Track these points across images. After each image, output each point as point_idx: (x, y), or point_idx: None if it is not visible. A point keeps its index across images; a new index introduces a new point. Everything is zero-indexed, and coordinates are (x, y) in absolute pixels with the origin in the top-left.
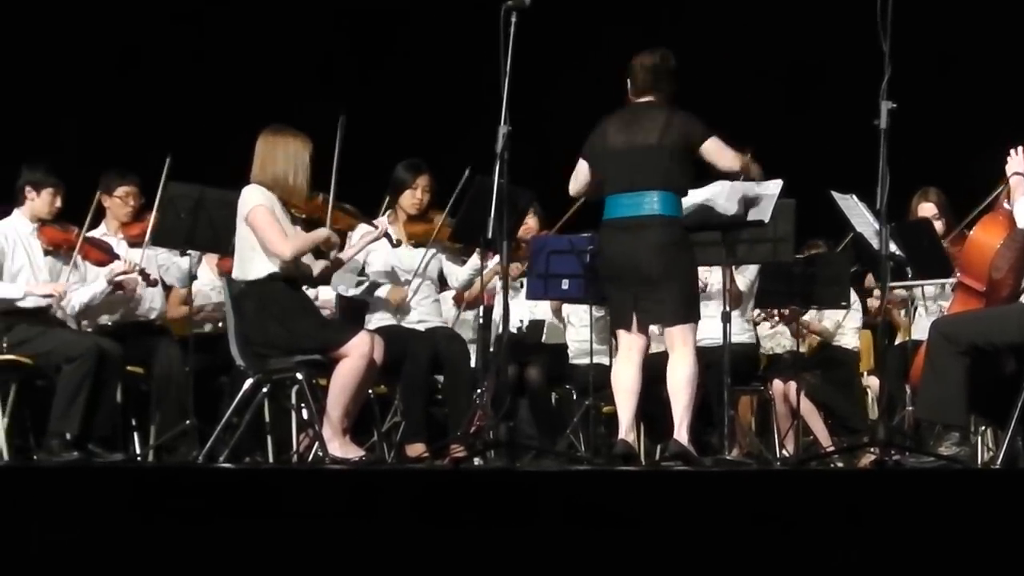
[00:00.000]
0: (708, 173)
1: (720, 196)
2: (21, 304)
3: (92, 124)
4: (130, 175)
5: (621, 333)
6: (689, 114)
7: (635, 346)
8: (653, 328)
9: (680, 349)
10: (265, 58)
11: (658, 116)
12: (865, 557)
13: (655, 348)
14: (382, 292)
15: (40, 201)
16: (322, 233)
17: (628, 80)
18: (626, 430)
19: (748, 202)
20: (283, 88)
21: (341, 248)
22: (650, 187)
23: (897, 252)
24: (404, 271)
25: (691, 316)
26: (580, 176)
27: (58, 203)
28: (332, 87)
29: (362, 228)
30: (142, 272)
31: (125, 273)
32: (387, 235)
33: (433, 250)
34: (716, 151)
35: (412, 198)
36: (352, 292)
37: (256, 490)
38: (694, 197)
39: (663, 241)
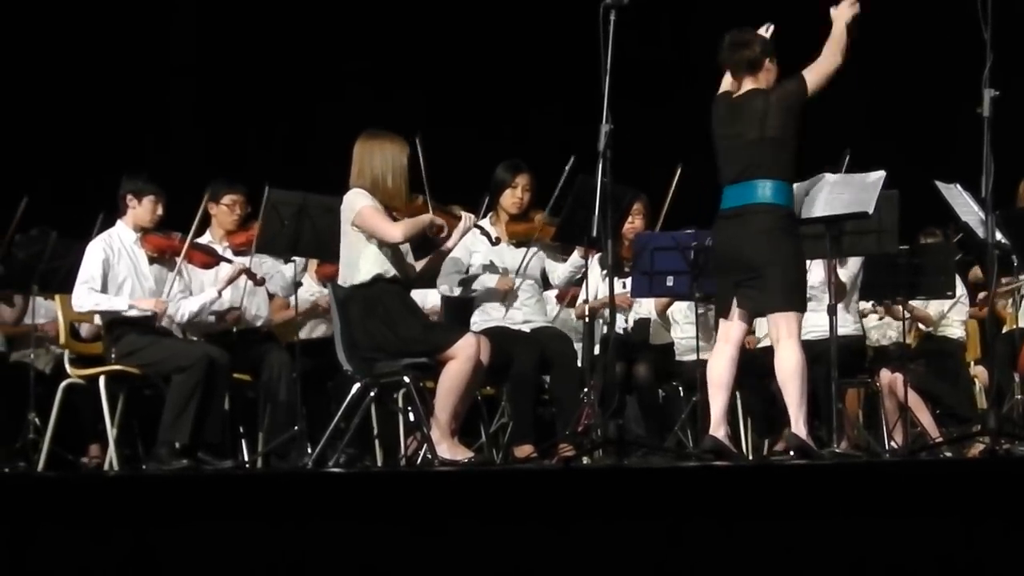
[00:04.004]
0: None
1: (849, 190)
2: (126, 315)
3: (198, 135)
4: (237, 184)
5: (721, 322)
6: (780, 84)
7: (731, 337)
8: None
9: (785, 341)
10: (358, 56)
11: (757, 106)
12: (978, 545)
13: (760, 344)
14: (490, 283)
15: (142, 209)
16: (426, 218)
17: None
18: (715, 425)
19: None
20: (377, 87)
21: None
22: (757, 176)
23: (1003, 241)
24: (506, 270)
25: (794, 304)
26: None
27: (160, 211)
28: (429, 86)
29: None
30: (248, 272)
31: (233, 279)
32: (486, 234)
33: (535, 249)
34: (818, 75)
35: (512, 197)
36: (457, 291)
37: (366, 494)
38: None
39: (768, 227)
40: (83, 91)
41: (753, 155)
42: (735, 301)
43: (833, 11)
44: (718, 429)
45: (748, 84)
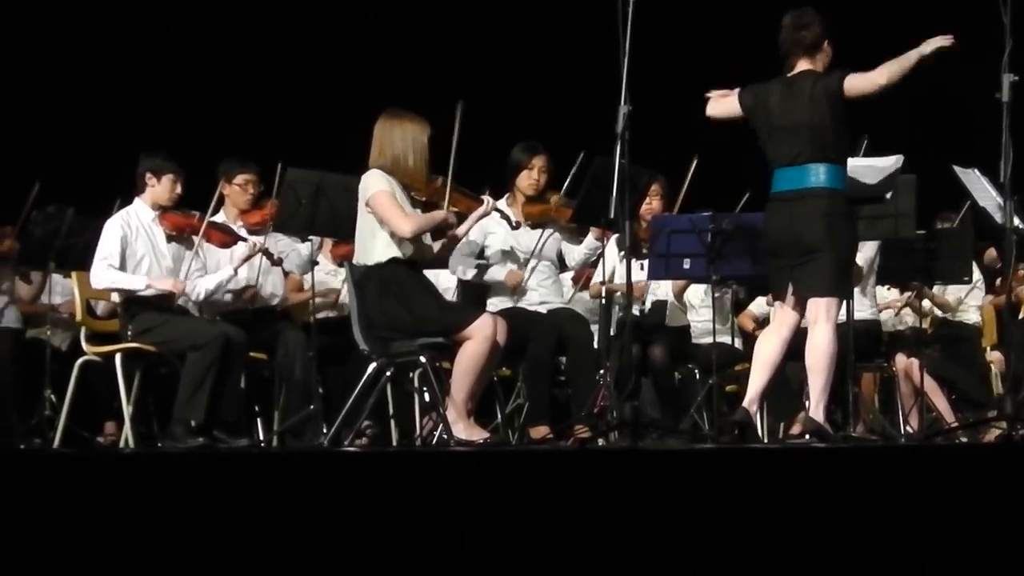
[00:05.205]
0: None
1: (866, 175)
2: (143, 294)
3: (211, 113)
4: (249, 163)
5: (776, 306)
6: (824, 75)
7: (786, 322)
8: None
9: (822, 324)
10: (380, 41)
11: (805, 89)
12: (993, 530)
13: None
14: (499, 275)
15: (161, 188)
16: (439, 214)
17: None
18: (751, 400)
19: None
20: (399, 71)
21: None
22: (812, 160)
23: (1020, 226)
24: (522, 252)
25: (840, 290)
26: (724, 108)
27: (178, 189)
28: (451, 70)
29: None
30: (266, 252)
31: (250, 256)
32: (506, 217)
33: (550, 230)
34: (858, 85)
35: (529, 179)
36: (469, 275)
37: (381, 473)
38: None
39: (826, 211)
40: (92, 70)
41: (805, 138)
42: (790, 287)
43: (926, 43)
44: (752, 404)
45: (803, 65)
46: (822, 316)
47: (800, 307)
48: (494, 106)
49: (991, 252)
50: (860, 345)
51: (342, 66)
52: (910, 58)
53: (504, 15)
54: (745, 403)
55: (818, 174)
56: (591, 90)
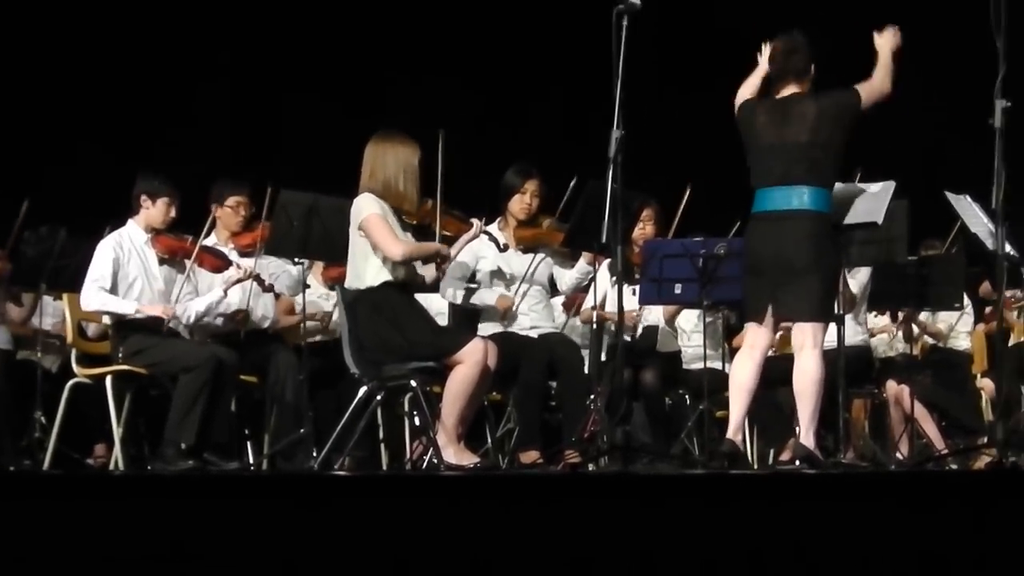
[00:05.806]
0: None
1: (858, 200)
2: (132, 318)
3: (203, 134)
4: (241, 184)
5: (750, 327)
6: (830, 93)
7: (759, 344)
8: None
9: (809, 350)
10: (370, 58)
11: (807, 110)
12: (984, 557)
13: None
14: (489, 299)
15: (155, 210)
16: (434, 246)
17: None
18: (734, 430)
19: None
20: (387, 91)
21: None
22: (800, 182)
23: (1012, 253)
24: (513, 275)
25: (825, 315)
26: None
27: (173, 212)
28: (438, 90)
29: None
30: (257, 278)
31: (240, 280)
32: (495, 240)
33: (542, 255)
34: (870, 95)
35: (521, 203)
36: (459, 299)
37: (371, 497)
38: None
39: (811, 233)
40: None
41: (797, 159)
42: (770, 308)
43: (877, 39)
44: (736, 434)
45: (791, 88)
46: (809, 342)
47: (775, 327)
48: (485, 116)
49: (986, 286)
50: (851, 371)
51: (346, 77)
52: (888, 60)
53: (503, 21)
54: (729, 434)
55: (802, 195)
56: (582, 107)
